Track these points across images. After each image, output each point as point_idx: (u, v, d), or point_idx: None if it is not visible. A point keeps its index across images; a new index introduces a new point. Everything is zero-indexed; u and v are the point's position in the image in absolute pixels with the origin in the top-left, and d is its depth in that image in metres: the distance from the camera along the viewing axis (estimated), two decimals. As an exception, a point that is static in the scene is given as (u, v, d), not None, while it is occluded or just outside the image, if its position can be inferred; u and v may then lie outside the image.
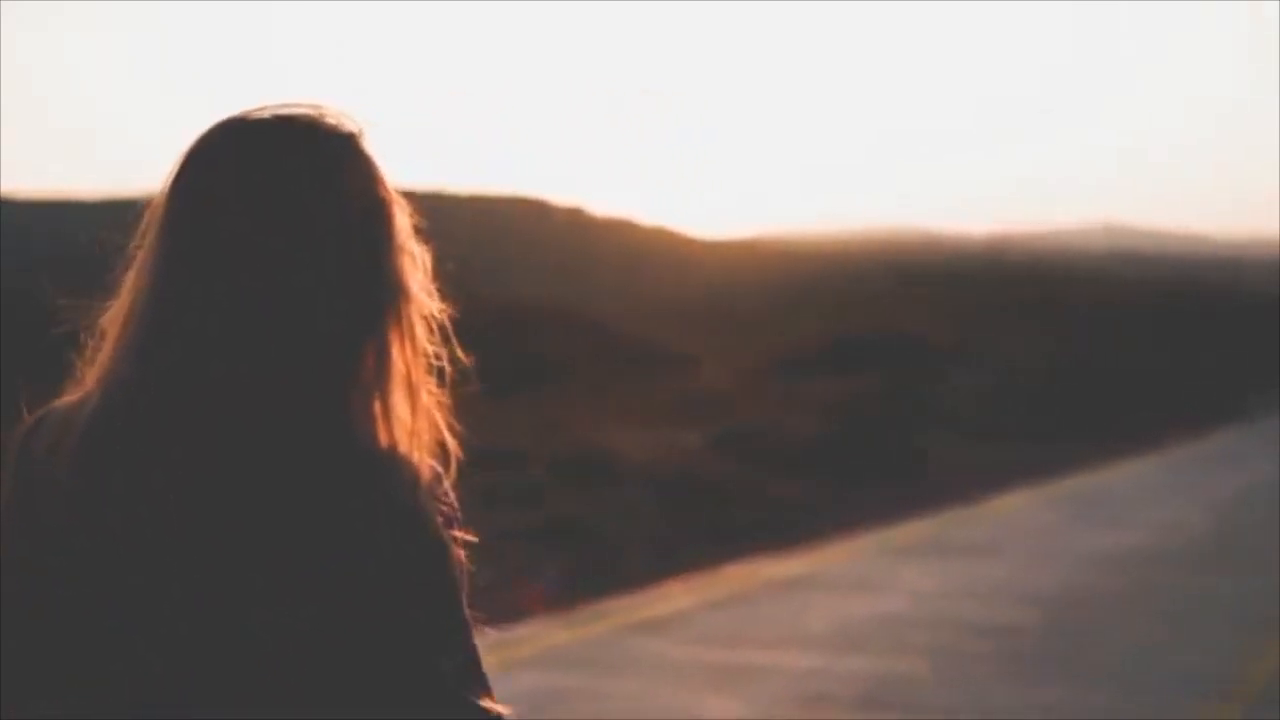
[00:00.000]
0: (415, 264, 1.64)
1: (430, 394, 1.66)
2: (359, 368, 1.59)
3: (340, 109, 1.65)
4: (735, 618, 10.37)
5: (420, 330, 1.64)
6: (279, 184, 1.58)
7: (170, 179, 1.63)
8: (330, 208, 1.58)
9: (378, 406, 1.60)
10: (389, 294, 1.60)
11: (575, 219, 70.62)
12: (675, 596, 11.27)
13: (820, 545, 13.66)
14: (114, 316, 1.64)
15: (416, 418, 1.63)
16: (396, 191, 1.65)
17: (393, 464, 1.59)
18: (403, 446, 1.61)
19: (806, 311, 43.45)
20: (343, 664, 1.54)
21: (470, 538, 1.65)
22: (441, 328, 1.68)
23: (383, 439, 1.60)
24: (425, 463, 1.63)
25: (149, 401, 1.56)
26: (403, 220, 1.64)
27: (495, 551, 12.76)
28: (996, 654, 9.25)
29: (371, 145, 1.64)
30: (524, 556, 12.70)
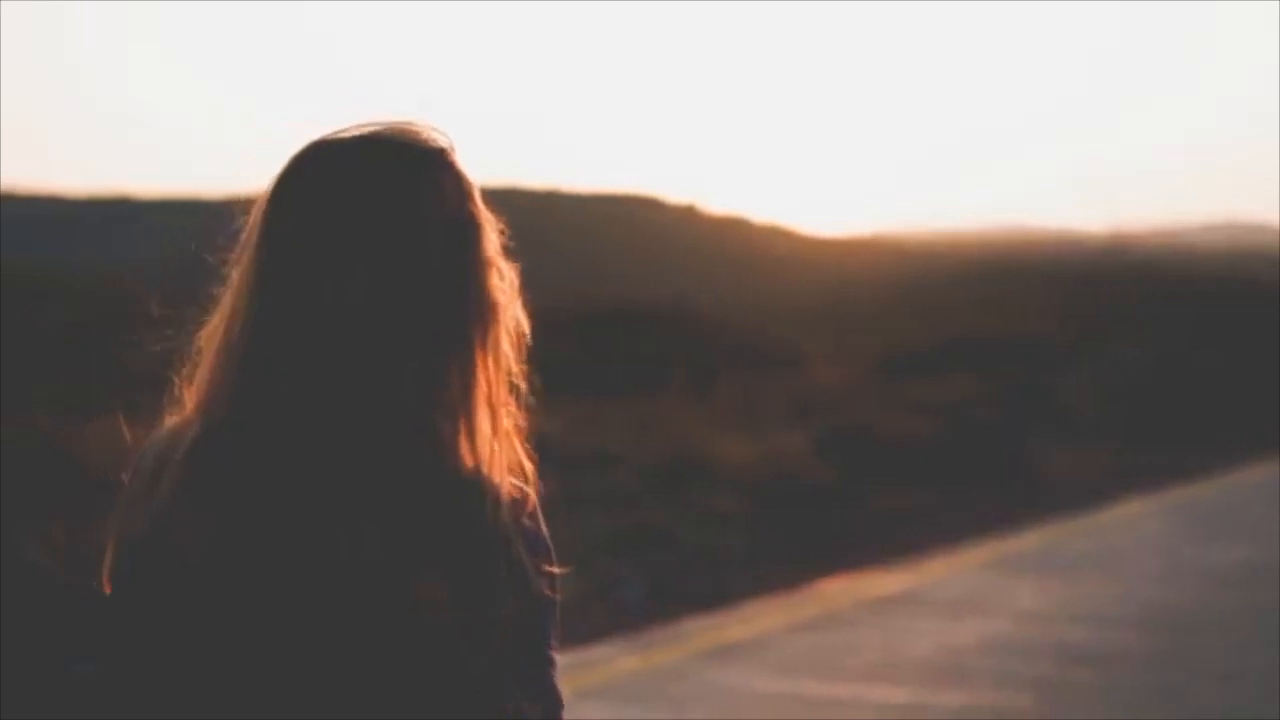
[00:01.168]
0: (503, 281, 1.63)
1: (510, 415, 1.64)
2: (445, 387, 1.58)
3: (430, 123, 1.65)
4: (825, 643, 9.59)
5: (505, 349, 1.63)
6: (368, 205, 1.59)
7: (263, 200, 1.64)
8: (419, 226, 1.59)
9: (462, 427, 1.59)
10: (476, 312, 1.60)
11: (689, 216, 69.90)
12: (762, 616, 10.50)
13: (924, 558, 12.83)
14: (210, 337, 1.64)
15: (498, 438, 1.61)
16: (486, 208, 1.64)
17: (476, 487, 1.58)
18: (485, 467, 1.60)
19: (921, 310, 42.44)
20: (421, 698, 1.55)
21: (556, 570, 1.64)
22: (526, 348, 1.66)
23: (468, 459, 1.59)
24: (508, 485, 1.62)
25: (247, 430, 1.57)
26: (492, 237, 1.64)
27: (574, 563, 12.13)
28: (1107, 686, 8.42)
29: (461, 160, 1.64)
30: (604, 568, 12.00)
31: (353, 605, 1.54)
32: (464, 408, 1.60)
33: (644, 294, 39.98)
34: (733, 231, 68.33)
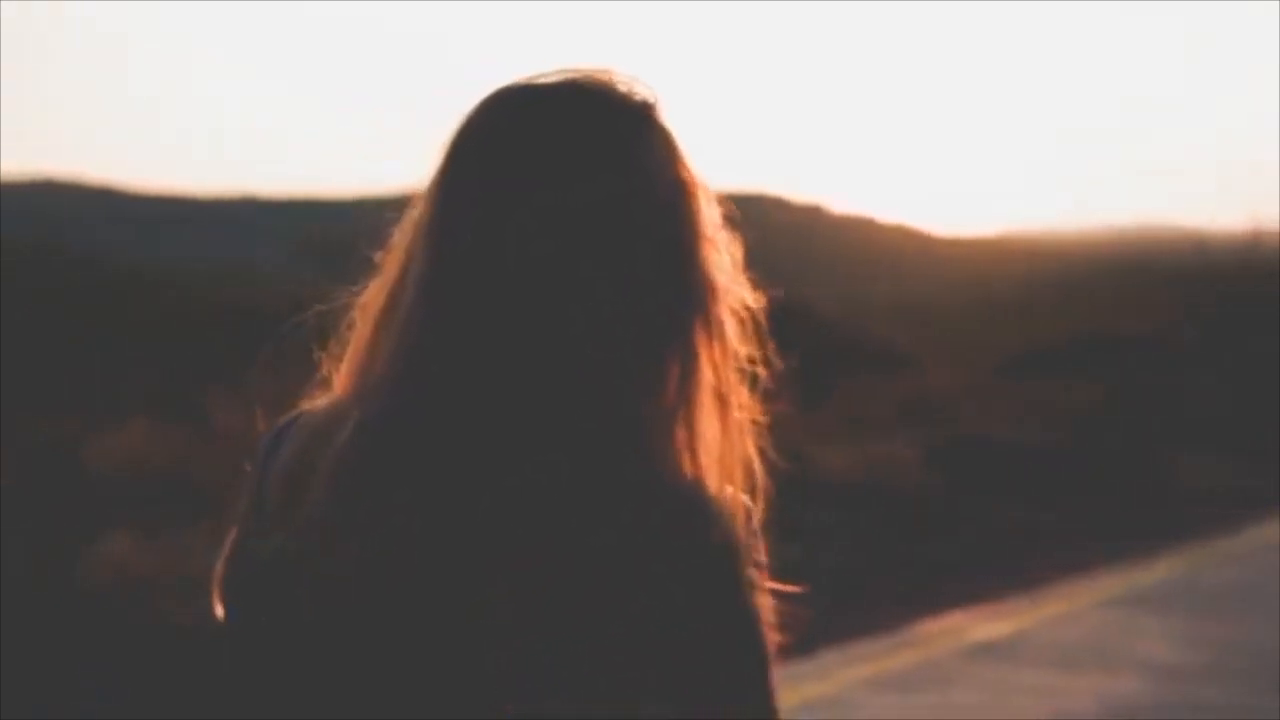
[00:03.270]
0: (722, 255, 1.41)
1: (742, 408, 1.43)
2: (662, 382, 1.35)
3: (632, 76, 1.41)
4: (912, 704, 7.82)
5: (731, 332, 1.41)
6: (572, 164, 1.34)
7: (444, 153, 1.39)
8: (629, 193, 1.35)
9: (682, 428, 1.36)
10: (695, 293, 1.37)
11: (814, 216, 68.10)
12: (841, 670, 8.73)
13: (1037, 590, 10.97)
14: (369, 310, 1.40)
15: (727, 439, 1.40)
16: (698, 173, 1.38)
17: (700, 503, 1.34)
18: (711, 478, 1.37)
19: (1050, 311, 40.41)
20: None
21: (788, 588, 1.46)
22: (756, 326, 1.45)
23: (687, 468, 1.36)
24: (739, 500, 1.40)
25: (418, 425, 1.32)
26: (708, 205, 1.40)
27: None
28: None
29: (668, 118, 1.39)
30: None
31: (538, 655, 1.28)
32: (684, 405, 1.36)
33: (767, 295, 38.33)
34: (858, 231, 66.49)
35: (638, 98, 1.41)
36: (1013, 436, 19.35)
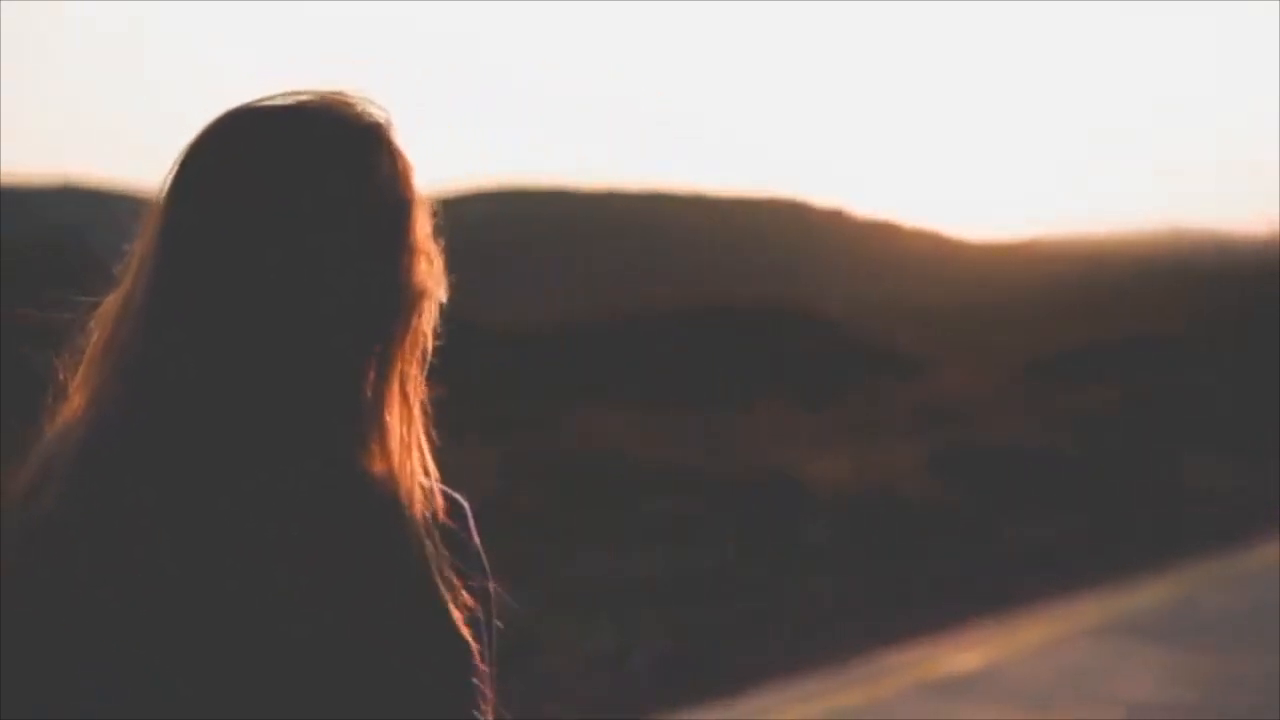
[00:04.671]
0: (431, 269, 1.47)
1: (426, 413, 1.49)
2: (361, 382, 1.42)
3: (365, 96, 1.48)
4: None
5: (426, 342, 1.48)
6: (291, 179, 1.41)
7: (175, 168, 1.44)
8: (345, 207, 1.42)
9: (374, 424, 1.43)
10: (400, 303, 1.44)
11: (836, 221, 67.07)
12: (780, 709, 7.77)
13: (1027, 612, 9.99)
14: (103, 321, 1.45)
15: (412, 437, 1.46)
16: (420, 188, 1.48)
17: (390, 492, 1.41)
18: (397, 467, 1.43)
19: (1075, 315, 39.42)
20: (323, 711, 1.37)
21: (490, 586, 1.48)
22: (435, 345, 1.50)
23: (378, 463, 1.42)
24: (425, 487, 1.45)
25: (142, 431, 1.39)
26: (423, 220, 1.47)
27: (589, 610, 9.42)
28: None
29: (399, 136, 1.48)
30: (625, 622, 9.36)
31: (252, 631, 1.36)
32: (379, 404, 1.43)
33: (786, 299, 37.46)
34: (882, 236, 65.41)
35: (366, 119, 1.47)
36: (1024, 443, 18.32)
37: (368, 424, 1.42)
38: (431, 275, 1.47)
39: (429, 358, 1.49)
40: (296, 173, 1.42)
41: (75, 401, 1.45)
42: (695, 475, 14.28)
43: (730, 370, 26.70)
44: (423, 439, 1.47)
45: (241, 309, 1.39)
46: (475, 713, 1.43)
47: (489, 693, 1.46)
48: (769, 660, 8.88)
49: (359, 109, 1.47)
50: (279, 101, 1.46)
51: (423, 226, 1.47)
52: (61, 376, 1.47)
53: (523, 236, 60.61)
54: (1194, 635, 9.32)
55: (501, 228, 61.46)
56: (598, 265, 56.04)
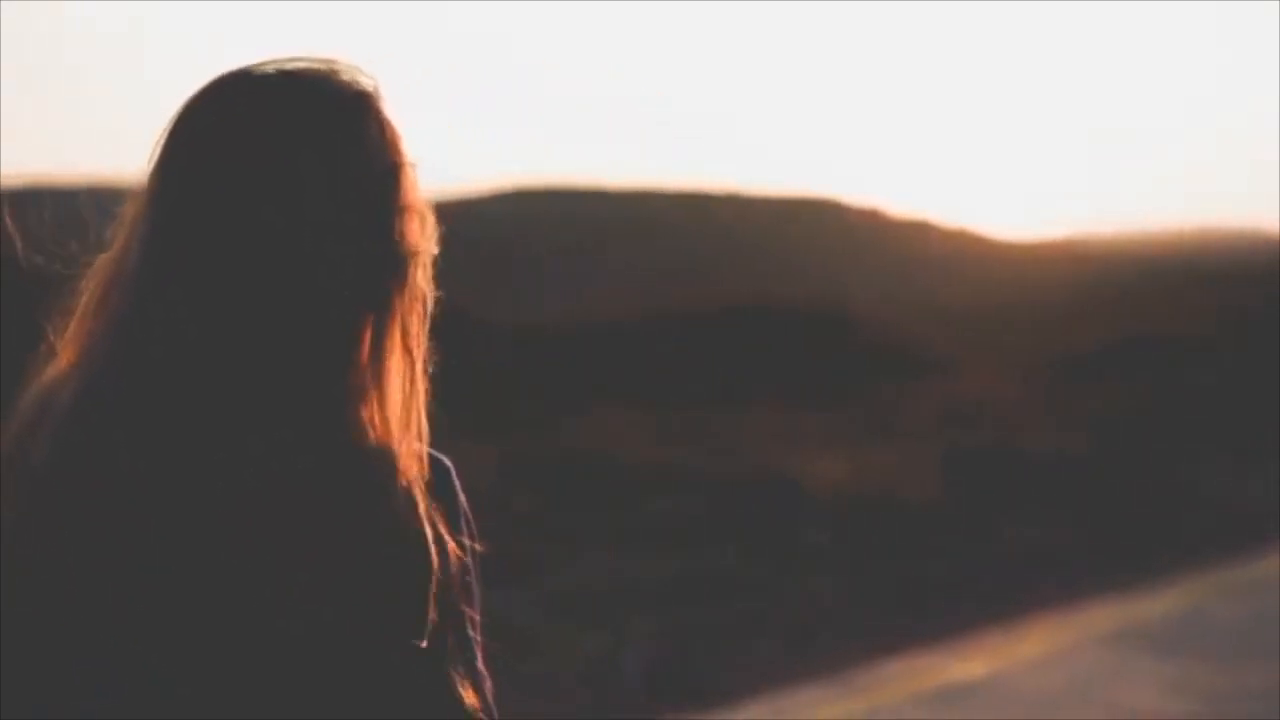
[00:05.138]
0: (425, 229, 1.50)
1: (425, 370, 1.50)
2: (356, 345, 1.44)
3: (354, 65, 1.50)
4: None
5: (425, 300, 1.49)
6: (277, 145, 1.43)
7: (168, 132, 1.46)
8: (337, 171, 1.44)
9: (373, 386, 1.44)
10: (397, 261, 1.46)
11: (872, 220, 66.66)
12: (784, 716, 7.59)
13: (1032, 620, 9.77)
14: (94, 280, 1.47)
15: (414, 397, 1.47)
16: (409, 154, 1.50)
17: (382, 457, 1.42)
18: (395, 431, 1.44)
19: (1108, 315, 39.01)
20: (317, 690, 1.39)
21: (478, 547, 1.51)
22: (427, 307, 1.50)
23: (375, 422, 1.43)
24: (415, 451, 1.46)
25: (129, 383, 1.40)
26: (413, 182, 1.50)
27: (586, 612, 9.23)
28: None
29: (386, 105, 1.50)
30: (622, 625, 9.19)
31: (239, 594, 1.37)
32: (375, 366, 1.44)
33: (817, 299, 37.20)
34: (917, 235, 64.92)
35: (355, 87, 1.49)
36: (1040, 445, 18.06)
37: (364, 383, 1.43)
38: (424, 235, 1.49)
39: (428, 314, 1.50)
40: (287, 137, 1.43)
41: (64, 359, 1.45)
42: (697, 476, 14.08)
43: (749, 370, 26.50)
44: (422, 398, 1.48)
45: (234, 271, 1.40)
46: (467, 668, 1.46)
47: (477, 647, 1.49)
48: (766, 665, 8.68)
49: (347, 76, 1.49)
50: (269, 68, 1.47)
51: (413, 188, 1.49)
52: (51, 335, 1.48)
53: (556, 236, 60.49)
54: (1201, 645, 9.08)
55: (534, 227, 61.35)
56: (631, 265, 55.88)
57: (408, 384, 1.47)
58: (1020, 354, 30.93)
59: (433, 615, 1.43)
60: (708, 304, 33.00)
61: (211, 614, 1.38)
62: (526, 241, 58.72)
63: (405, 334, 1.47)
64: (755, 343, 29.16)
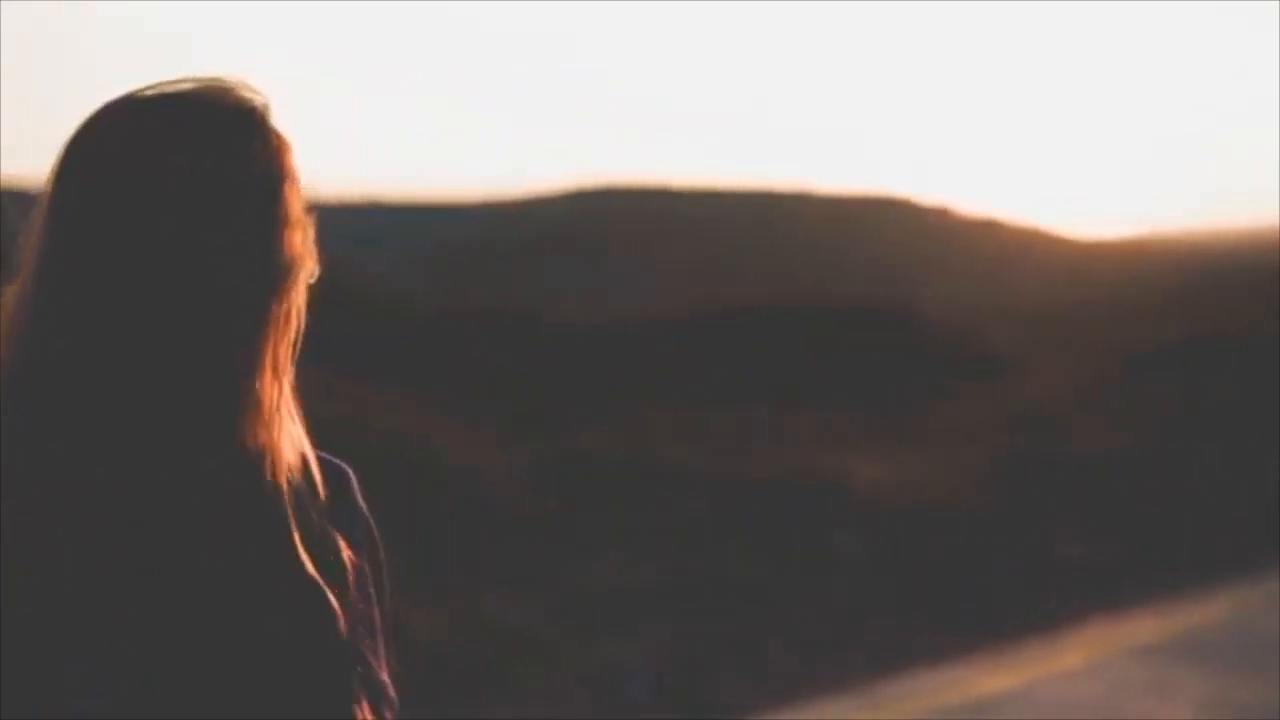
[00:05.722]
0: (304, 243, 1.53)
1: (290, 381, 1.54)
2: (235, 355, 1.48)
3: (244, 82, 1.55)
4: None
5: (299, 315, 1.54)
6: (158, 162, 1.48)
7: (63, 153, 1.52)
8: (218, 188, 1.48)
9: (250, 396, 1.48)
10: (273, 275, 1.50)
11: (941, 219, 66.02)
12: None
13: (1071, 630, 9.40)
14: (5, 309, 1.53)
15: (280, 405, 1.51)
16: (294, 167, 1.54)
17: (253, 461, 1.47)
18: (270, 436, 1.49)
19: (1181, 314, 38.35)
20: (215, 693, 1.43)
21: (379, 551, 1.54)
22: (308, 311, 1.55)
23: (251, 431, 1.48)
24: (292, 456, 1.50)
25: (29, 405, 1.46)
26: (296, 196, 1.54)
27: (598, 619, 8.91)
28: None
29: (276, 120, 1.55)
30: (634, 634, 8.91)
31: (131, 597, 1.42)
32: (252, 376, 1.48)
33: (882, 298, 36.76)
34: (987, 234, 64.23)
35: (239, 103, 1.52)
36: (1101, 449, 17.61)
37: (242, 395, 1.46)
38: (305, 249, 1.52)
39: (301, 329, 1.52)
40: (166, 156, 1.47)
41: None
42: (735, 479, 13.77)
43: (806, 370, 26.15)
44: (292, 408, 1.51)
45: (117, 290, 1.45)
46: (346, 673, 1.46)
47: (379, 651, 1.49)
48: (784, 677, 8.37)
49: (233, 94, 1.53)
50: (154, 91, 1.52)
51: (296, 202, 1.52)
52: None
53: (621, 235, 60.26)
54: (1243, 658, 8.68)
55: (600, 226, 61.16)
56: (694, 264, 55.56)
57: (277, 390, 1.50)
58: (1087, 354, 30.35)
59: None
60: (769, 303, 32.63)
61: (102, 618, 1.42)
62: (591, 241, 58.47)
63: (278, 344, 1.50)
64: (814, 342, 28.81)
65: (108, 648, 1.42)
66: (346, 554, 1.50)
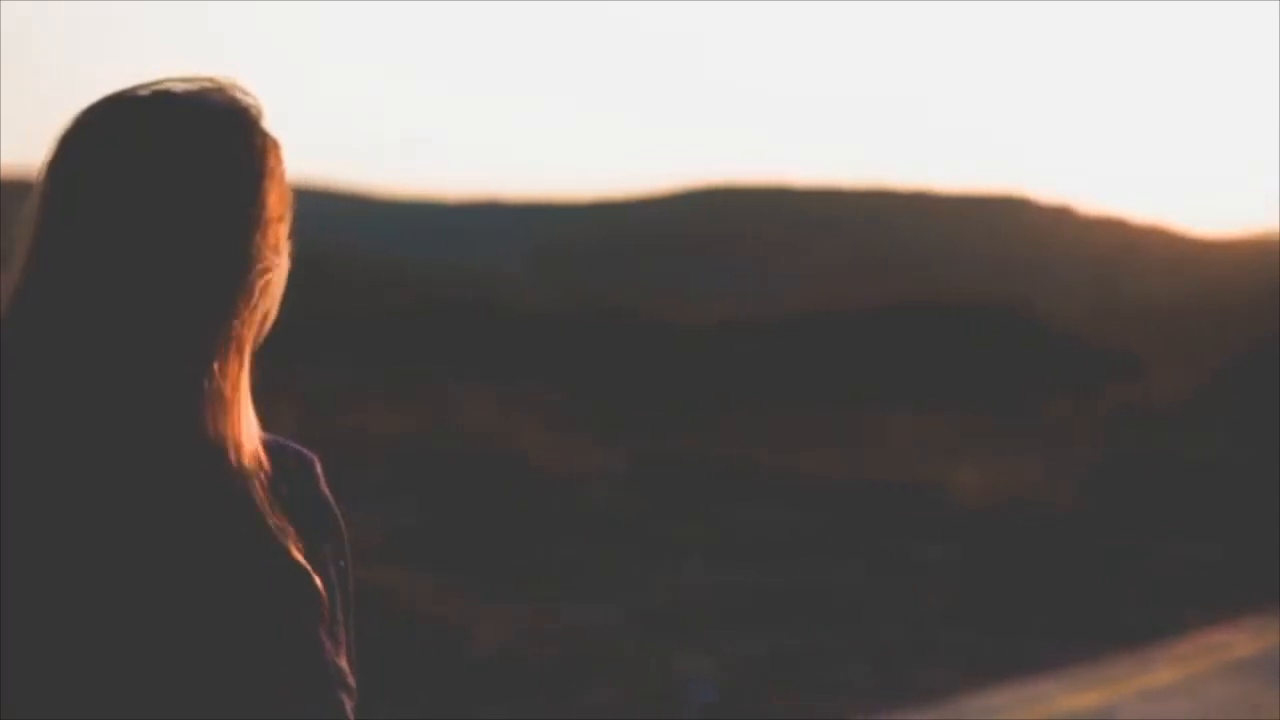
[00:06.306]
0: (278, 243, 1.55)
1: (253, 378, 1.57)
2: (204, 349, 1.50)
3: (236, 83, 1.58)
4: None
5: (268, 312, 1.56)
6: (139, 160, 1.51)
7: (51, 151, 1.56)
8: (191, 183, 1.51)
9: (215, 385, 1.50)
10: (243, 273, 1.52)
11: (1062, 217, 64.96)
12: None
13: (1162, 646, 9.00)
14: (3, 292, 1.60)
15: (240, 398, 1.53)
16: (278, 166, 1.57)
17: (219, 451, 1.49)
18: (231, 428, 1.51)
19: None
20: (179, 687, 1.44)
21: (342, 538, 1.55)
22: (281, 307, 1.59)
23: (218, 418, 1.50)
24: (252, 446, 1.53)
25: (9, 394, 1.49)
26: (276, 196, 1.55)
27: (675, 627, 8.61)
28: None
29: (268, 122, 1.58)
30: (708, 643, 8.63)
31: (96, 589, 1.44)
32: (224, 371, 1.51)
33: (1000, 298, 36.17)
34: (1108, 232, 63.12)
35: (227, 103, 1.54)
36: (1215, 452, 17.05)
37: (205, 386, 1.49)
38: (278, 246, 1.54)
39: (268, 326, 1.56)
40: (147, 154, 1.50)
41: None
42: (830, 484, 13.43)
43: (915, 371, 25.74)
44: (248, 402, 1.53)
45: (96, 284, 1.48)
46: (326, 656, 1.48)
47: (340, 638, 1.50)
48: (858, 689, 8.06)
49: (223, 94, 1.55)
50: (144, 90, 1.54)
51: (276, 201, 1.54)
52: None
53: (739, 233, 59.94)
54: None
55: (714, 224, 60.86)
56: (813, 262, 55.09)
57: (238, 382, 1.52)
58: (1207, 353, 29.58)
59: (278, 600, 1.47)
60: (881, 303, 32.19)
61: (77, 608, 1.43)
62: (702, 239, 58.18)
63: (242, 337, 1.52)
64: (925, 343, 28.36)
65: (87, 640, 1.43)
66: (295, 542, 1.50)
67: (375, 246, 51.81)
